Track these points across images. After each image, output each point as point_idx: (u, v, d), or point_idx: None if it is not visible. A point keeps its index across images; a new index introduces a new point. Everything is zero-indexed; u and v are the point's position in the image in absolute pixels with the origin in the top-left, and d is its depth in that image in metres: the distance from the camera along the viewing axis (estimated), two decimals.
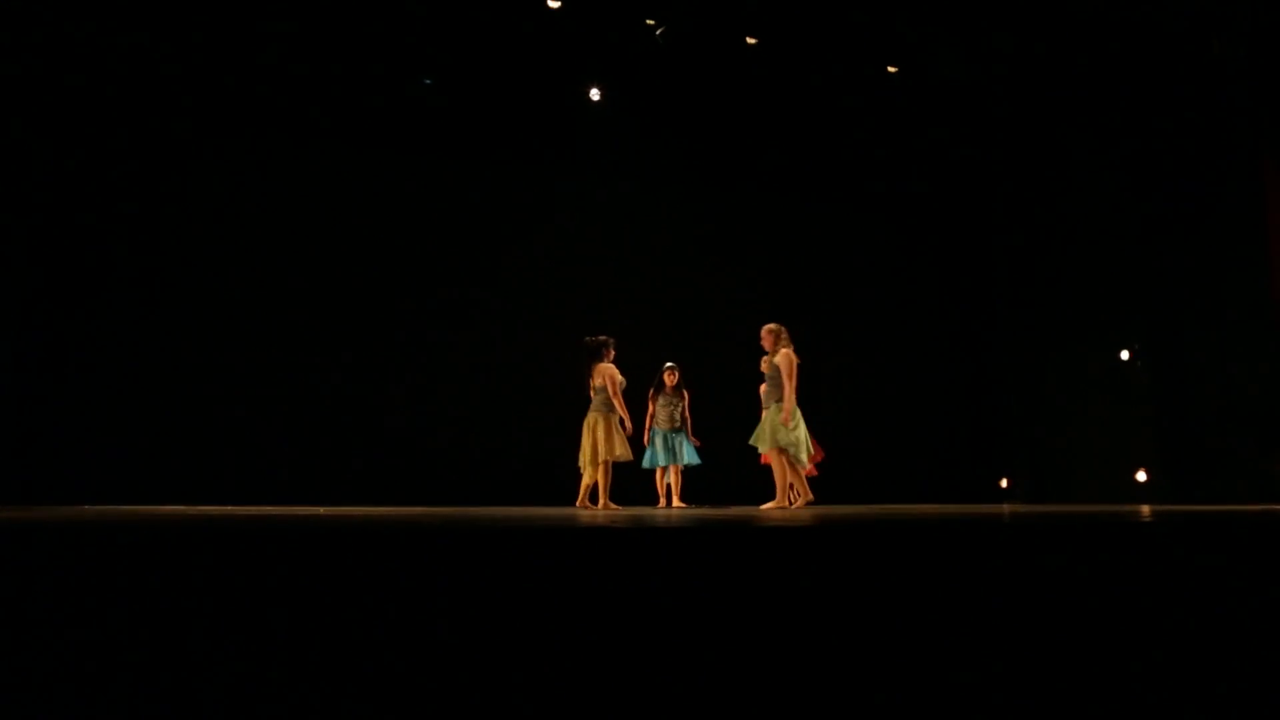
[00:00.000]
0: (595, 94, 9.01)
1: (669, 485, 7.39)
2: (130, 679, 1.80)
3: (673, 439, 7.33)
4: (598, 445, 6.45)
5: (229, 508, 5.24)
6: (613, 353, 6.72)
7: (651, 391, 7.48)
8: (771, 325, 6.70)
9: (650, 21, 8.42)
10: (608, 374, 6.56)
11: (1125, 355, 9.00)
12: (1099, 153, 9.38)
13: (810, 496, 6.52)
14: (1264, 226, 7.72)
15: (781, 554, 2.19)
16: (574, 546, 2.14)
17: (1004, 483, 10.25)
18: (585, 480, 6.59)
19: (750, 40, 8.64)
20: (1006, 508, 6.24)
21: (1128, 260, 9.06)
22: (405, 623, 1.89)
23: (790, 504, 6.38)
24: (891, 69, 9.10)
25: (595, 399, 6.60)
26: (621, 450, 6.47)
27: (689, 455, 7.30)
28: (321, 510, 4.74)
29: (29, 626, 1.81)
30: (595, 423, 6.51)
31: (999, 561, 2.30)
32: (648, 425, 7.42)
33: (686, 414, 7.42)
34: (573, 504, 6.72)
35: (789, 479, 6.36)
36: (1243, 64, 7.84)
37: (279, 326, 8.13)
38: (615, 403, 6.52)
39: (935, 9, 8.35)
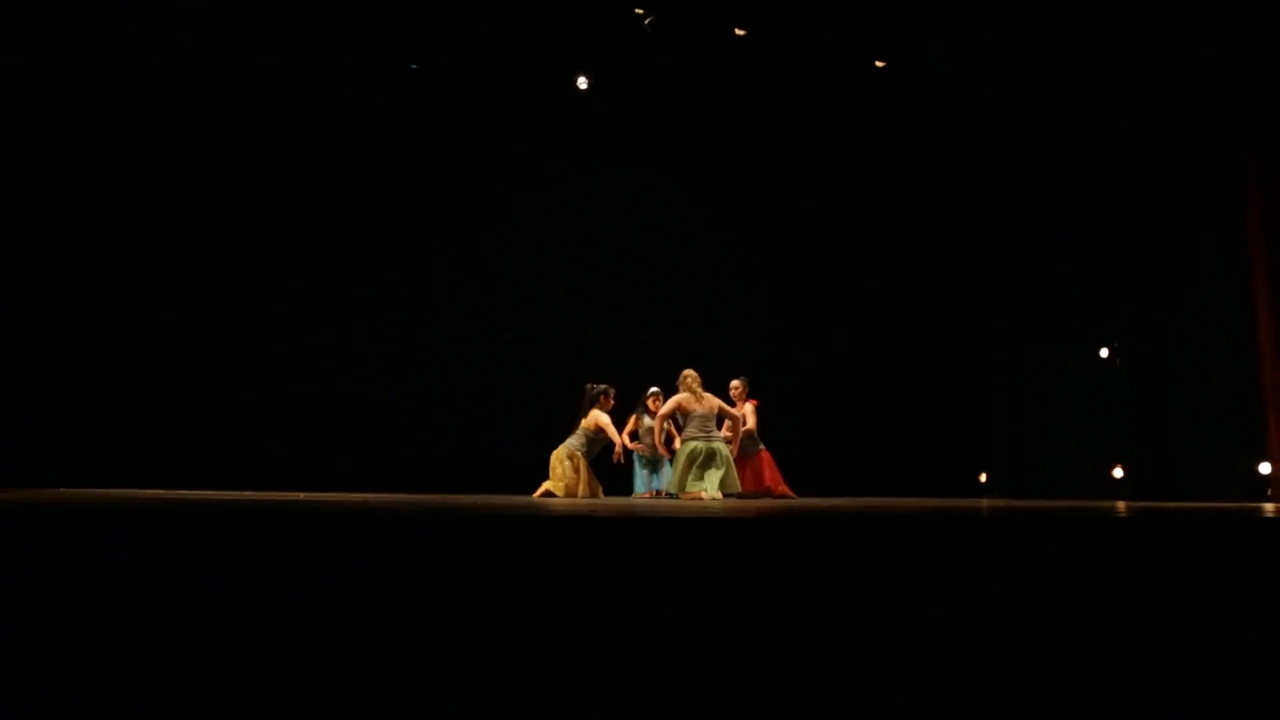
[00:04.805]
0: (583, 83, 8.97)
1: None
2: (102, 667, 1.79)
3: (653, 465, 7.30)
4: (574, 488, 6.63)
5: (208, 492, 5.20)
6: (611, 403, 6.95)
7: (635, 417, 7.42)
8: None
9: (639, 11, 8.40)
10: (602, 422, 6.82)
11: (1104, 353, 9.08)
12: (1082, 152, 9.45)
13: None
14: (1242, 226, 7.81)
15: (760, 545, 2.20)
16: (557, 534, 2.14)
17: (983, 477, 10.33)
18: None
19: (739, 31, 8.63)
20: (985, 502, 6.29)
21: (1108, 259, 9.14)
22: (381, 609, 1.89)
23: None
24: (878, 64, 9.11)
25: (578, 436, 6.80)
26: (598, 490, 6.80)
27: (657, 482, 7.27)
28: (302, 495, 4.72)
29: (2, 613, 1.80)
30: (578, 464, 6.69)
31: (976, 555, 2.32)
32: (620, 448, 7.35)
33: (660, 444, 7.31)
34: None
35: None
36: (1225, 66, 7.91)
37: (257, 310, 8.05)
38: (614, 439, 6.80)
39: (923, 4, 8.36)
